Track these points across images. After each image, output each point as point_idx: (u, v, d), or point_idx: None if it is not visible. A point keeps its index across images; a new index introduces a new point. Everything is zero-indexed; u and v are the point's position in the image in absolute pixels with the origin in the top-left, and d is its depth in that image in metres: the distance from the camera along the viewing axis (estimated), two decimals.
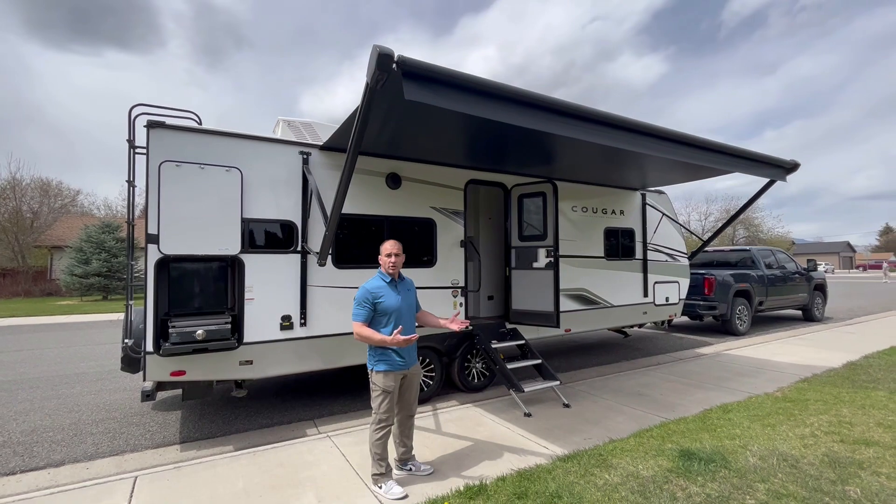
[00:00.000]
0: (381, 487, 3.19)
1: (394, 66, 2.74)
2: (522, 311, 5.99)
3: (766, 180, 5.99)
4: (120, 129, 4.80)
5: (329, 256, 4.76)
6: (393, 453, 3.48)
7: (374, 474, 3.27)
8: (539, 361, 5.49)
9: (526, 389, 4.93)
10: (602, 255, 7.15)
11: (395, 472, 3.43)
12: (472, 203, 6.87)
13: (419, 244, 5.45)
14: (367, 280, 3.42)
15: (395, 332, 3.13)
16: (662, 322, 8.65)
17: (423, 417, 4.72)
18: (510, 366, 5.29)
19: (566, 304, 6.56)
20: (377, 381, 3.26)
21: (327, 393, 5.80)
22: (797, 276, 11.65)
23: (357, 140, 3.24)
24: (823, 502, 2.93)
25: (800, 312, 12.39)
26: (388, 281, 3.39)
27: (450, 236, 5.59)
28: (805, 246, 78.78)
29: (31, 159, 64.52)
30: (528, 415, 4.75)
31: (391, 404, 3.27)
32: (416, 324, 3.57)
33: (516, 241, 6.08)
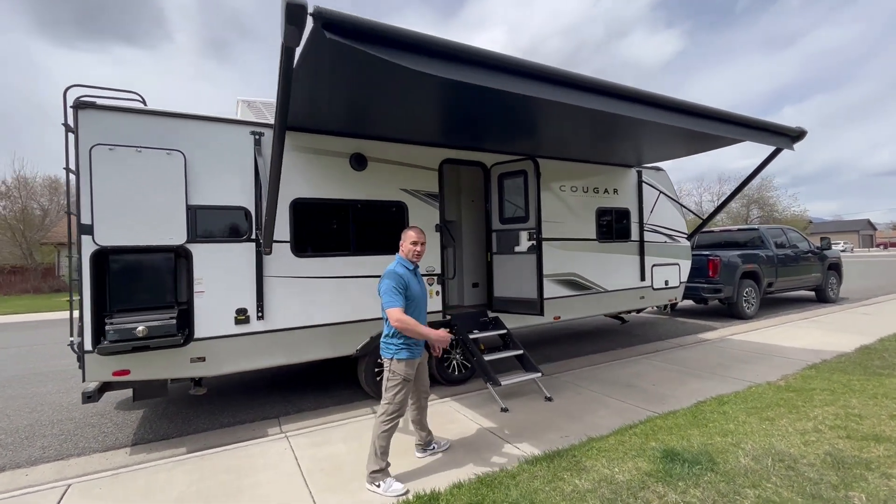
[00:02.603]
0: (379, 486, 2.98)
1: (310, 18, 2.35)
2: (505, 299, 5.62)
3: (772, 149, 5.49)
4: None
5: (288, 245, 4.45)
6: (412, 440, 3.63)
7: (372, 472, 3.03)
8: (521, 352, 5.13)
9: (504, 383, 4.59)
10: (594, 237, 6.71)
11: (416, 454, 3.54)
12: (453, 185, 6.48)
13: (389, 230, 5.08)
14: (391, 265, 3.29)
15: (443, 330, 3.17)
16: (665, 307, 8.22)
17: None
18: (491, 357, 4.94)
19: (554, 289, 6.17)
20: (399, 369, 3.12)
21: (299, 387, 5.53)
22: (810, 255, 11.05)
23: (282, 111, 2.89)
24: None
25: (813, 293, 11.81)
26: (410, 269, 3.32)
27: (423, 221, 5.21)
28: (823, 225, 76.64)
29: (42, 157, 65.48)
30: (506, 410, 4.41)
31: (408, 393, 3.18)
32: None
33: (497, 224, 5.68)
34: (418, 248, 3.33)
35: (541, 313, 5.30)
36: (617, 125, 5.04)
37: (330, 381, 5.71)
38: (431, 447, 3.58)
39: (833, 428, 3.65)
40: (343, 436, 3.97)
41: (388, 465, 3.09)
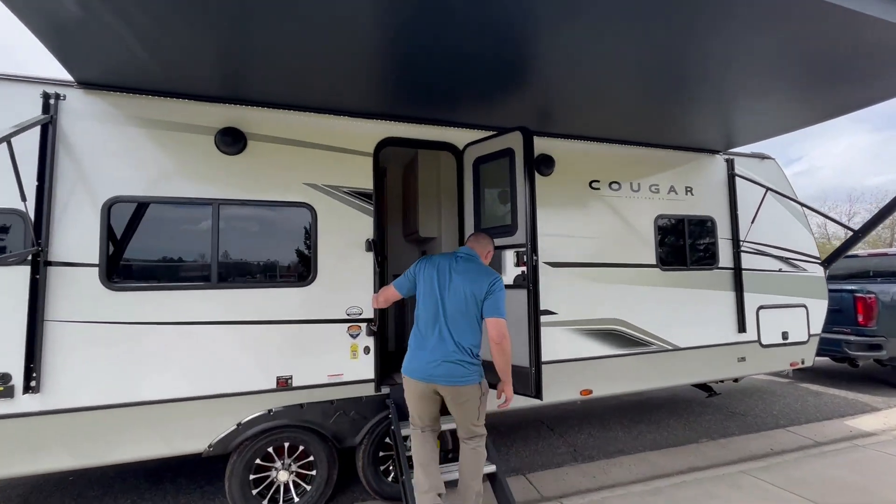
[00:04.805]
0: None
1: None
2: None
3: None
4: None
5: (95, 269, 2.77)
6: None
7: None
8: (492, 469, 2.87)
9: None
10: (653, 261, 4.25)
11: None
12: (431, 182, 4.49)
13: (283, 247, 3.23)
14: (499, 276, 2.59)
15: None
16: (786, 373, 5.25)
17: None
18: (447, 473, 2.78)
19: (581, 346, 3.84)
20: (485, 385, 2.57)
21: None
22: None
23: None
24: None
25: None
26: None
27: (344, 233, 3.28)
28: None
29: None
30: None
31: None
32: None
33: None
34: None
35: (536, 394, 3.00)
36: (692, 62, 2.81)
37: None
38: None
39: None
40: None
41: None
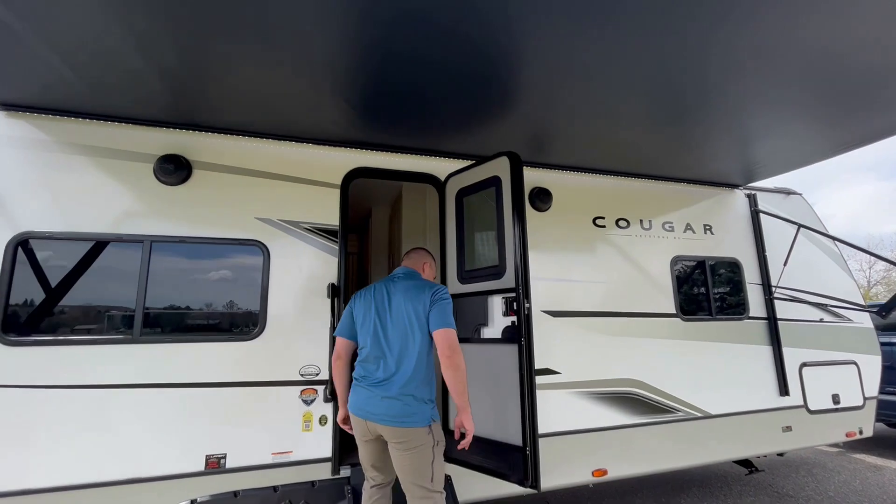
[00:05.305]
0: None
1: None
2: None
3: None
4: None
5: None
6: None
7: None
8: None
9: None
10: (672, 310, 3.64)
11: None
12: (398, 215, 4.03)
13: (225, 292, 2.72)
14: (441, 287, 2.21)
15: None
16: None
17: None
18: None
19: (592, 413, 3.17)
20: (439, 434, 2.06)
21: None
22: None
23: None
24: None
25: None
26: None
27: (302, 276, 2.78)
28: None
29: None
30: None
31: None
32: None
33: (455, 282, 2.99)
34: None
35: (532, 483, 2.32)
36: (706, 83, 2.40)
37: None
38: None
39: None
40: None
41: None
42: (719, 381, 3.63)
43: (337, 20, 1.92)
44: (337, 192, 2.96)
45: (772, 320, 3.90)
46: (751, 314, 3.91)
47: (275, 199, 2.82)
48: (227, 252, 2.72)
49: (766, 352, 3.86)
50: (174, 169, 2.64)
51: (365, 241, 5.60)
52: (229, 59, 2.16)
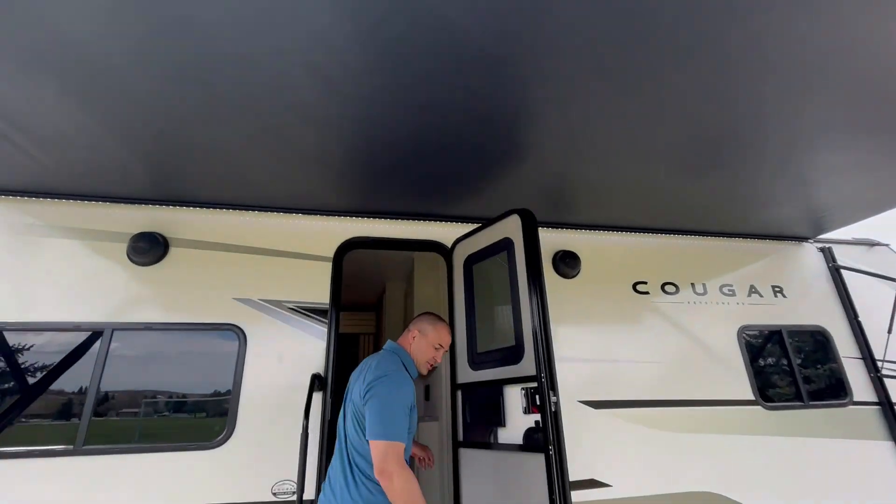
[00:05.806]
0: None
1: None
2: None
3: None
4: None
5: None
6: None
7: None
8: None
9: None
10: (750, 395, 2.88)
11: None
12: (411, 289, 3.59)
13: (191, 388, 2.30)
14: (388, 361, 1.67)
15: None
16: None
17: None
18: None
19: None
20: None
21: None
22: None
23: None
24: None
25: None
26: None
27: (283, 364, 2.34)
28: None
29: None
30: None
31: None
32: None
33: (466, 368, 2.44)
34: (441, 353, 1.84)
35: None
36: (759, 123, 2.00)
37: None
38: None
39: None
40: None
41: None
42: (826, 491, 2.72)
43: (336, 91, 1.69)
44: (328, 266, 2.60)
45: (888, 405, 3.01)
46: (855, 398, 3.05)
47: (257, 277, 2.49)
48: (197, 339, 2.35)
49: (889, 449, 2.94)
50: (148, 248, 2.40)
51: (380, 320, 5.17)
52: (210, 141, 1.97)
